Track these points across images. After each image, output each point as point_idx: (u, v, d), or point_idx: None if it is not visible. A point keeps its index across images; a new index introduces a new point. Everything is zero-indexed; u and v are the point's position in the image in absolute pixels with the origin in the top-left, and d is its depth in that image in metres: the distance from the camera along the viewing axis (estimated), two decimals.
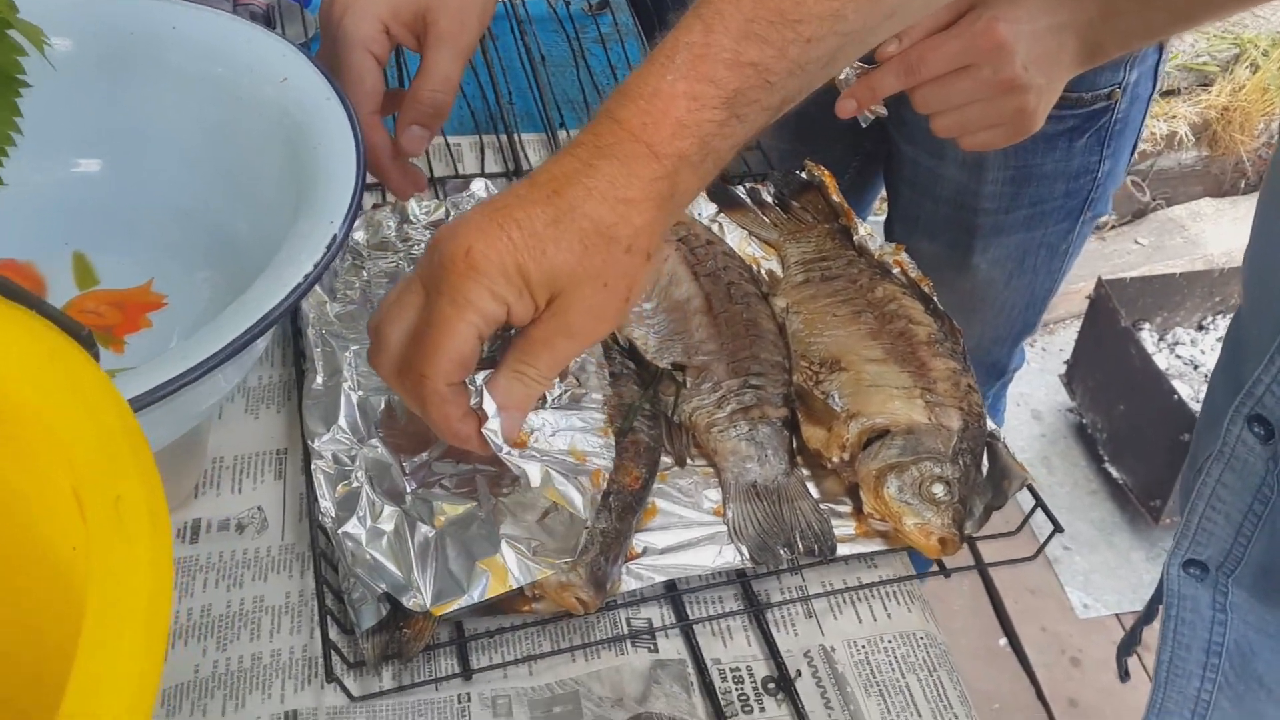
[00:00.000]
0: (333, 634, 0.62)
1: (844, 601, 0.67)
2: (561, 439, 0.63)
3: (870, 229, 0.86)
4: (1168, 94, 2.95)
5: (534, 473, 0.60)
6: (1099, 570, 2.15)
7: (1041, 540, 0.72)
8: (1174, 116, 2.90)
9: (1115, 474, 2.23)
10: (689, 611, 0.66)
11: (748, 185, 0.94)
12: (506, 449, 0.59)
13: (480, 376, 0.57)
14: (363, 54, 0.69)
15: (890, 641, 0.65)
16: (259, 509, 0.72)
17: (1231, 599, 0.73)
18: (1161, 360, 2.26)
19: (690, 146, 0.55)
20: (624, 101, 0.56)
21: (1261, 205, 0.67)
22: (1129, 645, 0.95)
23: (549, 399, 0.65)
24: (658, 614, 0.67)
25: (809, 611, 0.67)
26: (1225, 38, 2.97)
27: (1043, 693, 0.73)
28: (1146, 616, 0.87)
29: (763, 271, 0.86)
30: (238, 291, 0.57)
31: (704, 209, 0.91)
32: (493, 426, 0.58)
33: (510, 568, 0.61)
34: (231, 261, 0.66)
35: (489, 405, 0.57)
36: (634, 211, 0.55)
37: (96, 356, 0.36)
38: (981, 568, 0.70)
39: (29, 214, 0.67)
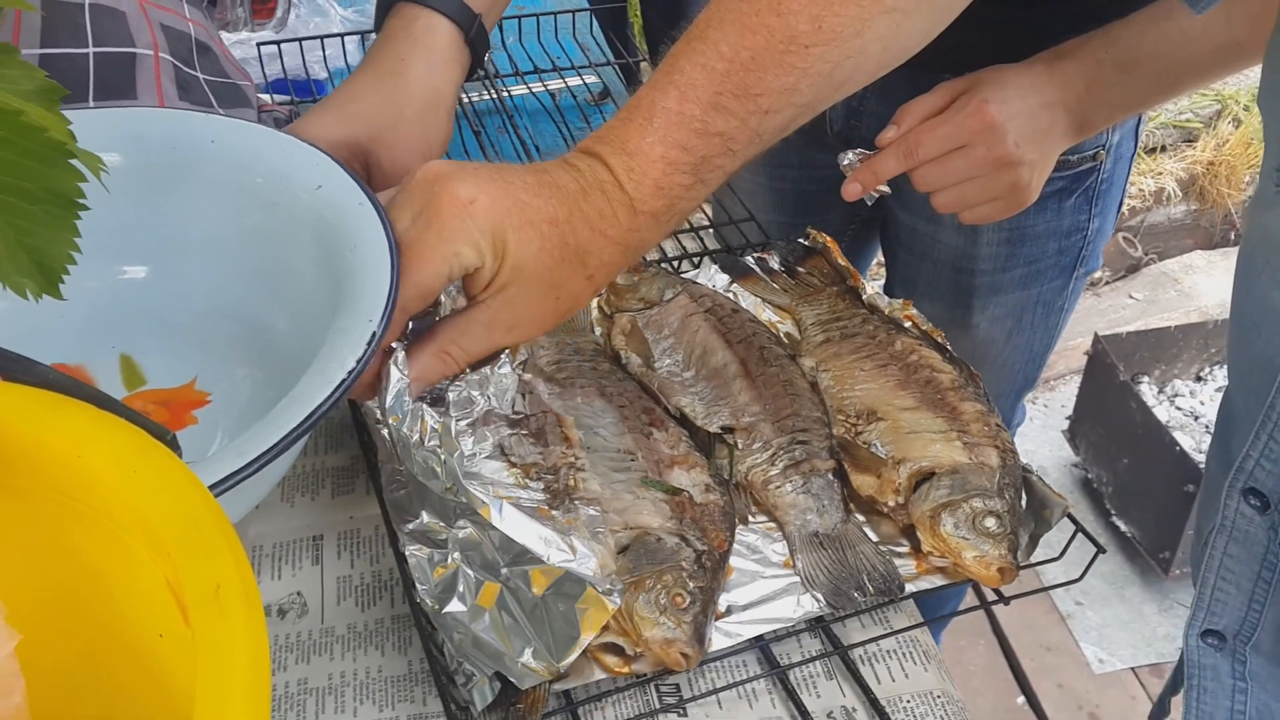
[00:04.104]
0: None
1: (861, 661, 0.70)
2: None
3: (877, 289, 0.90)
4: (1154, 151, 3.01)
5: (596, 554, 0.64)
6: (1112, 624, 2.16)
7: (1085, 565, 0.74)
8: (1161, 173, 2.96)
9: (1123, 527, 2.25)
10: (779, 659, 0.69)
11: (754, 255, 0.98)
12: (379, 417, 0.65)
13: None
14: None
15: (909, 701, 0.68)
16: (299, 594, 0.75)
17: (1250, 667, 0.74)
18: (1162, 413, 2.28)
19: (662, 206, 0.61)
20: (610, 151, 0.61)
21: (1237, 276, 0.69)
22: (1159, 715, 0.95)
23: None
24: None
25: (829, 672, 0.70)
26: (1207, 94, 3.05)
27: None
28: (1173, 686, 0.87)
29: (781, 335, 0.90)
30: (277, 387, 0.61)
31: (717, 279, 0.95)
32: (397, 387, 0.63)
33: (601, 596, 0.61)
34: (271, 359, 0.70)
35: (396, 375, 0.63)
36: (607, 248, 0.61)
37: (180, 456, 0.40)
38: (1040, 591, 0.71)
39: (80, 319, 0.71)
